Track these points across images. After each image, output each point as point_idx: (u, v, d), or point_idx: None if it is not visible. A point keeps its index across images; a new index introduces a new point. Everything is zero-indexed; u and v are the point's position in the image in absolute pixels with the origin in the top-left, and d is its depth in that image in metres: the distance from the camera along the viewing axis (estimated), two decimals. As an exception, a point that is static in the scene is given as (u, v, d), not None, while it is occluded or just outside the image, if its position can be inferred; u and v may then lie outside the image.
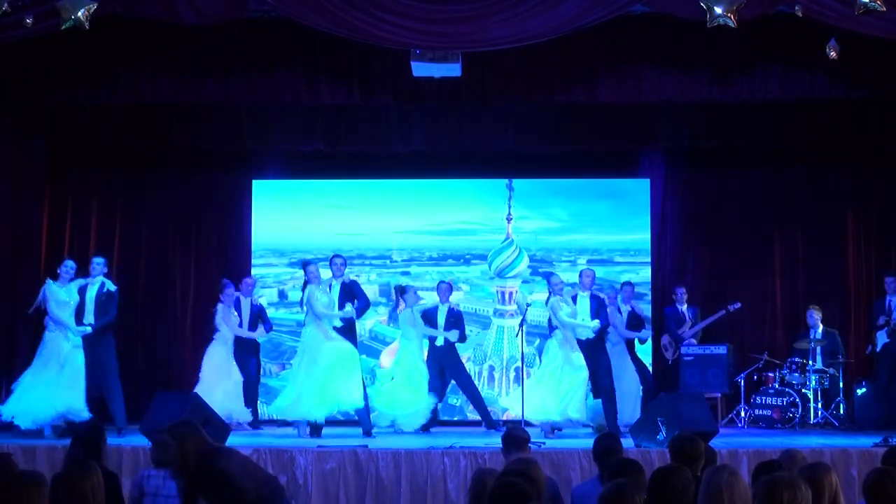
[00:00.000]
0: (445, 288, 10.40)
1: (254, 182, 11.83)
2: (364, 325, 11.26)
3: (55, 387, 9.16)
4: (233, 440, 8.66)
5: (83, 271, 9.70)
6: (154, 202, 11.77)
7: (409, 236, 11.86)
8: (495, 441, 7.87)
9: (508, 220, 11.57)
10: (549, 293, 9.60)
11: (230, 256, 11.80)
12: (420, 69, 8.89)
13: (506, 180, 11.69)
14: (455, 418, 11.12)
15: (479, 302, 11.58)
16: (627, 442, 8.07)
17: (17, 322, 10.45)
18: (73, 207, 11.68)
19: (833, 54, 7.63)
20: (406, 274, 11.69)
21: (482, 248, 11.75)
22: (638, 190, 11.70)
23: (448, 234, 11.84)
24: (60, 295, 9.38)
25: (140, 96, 9.53)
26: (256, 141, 11.00)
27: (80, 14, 7.38)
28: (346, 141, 10.88)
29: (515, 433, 5.85)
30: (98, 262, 9.62)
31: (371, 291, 11.46)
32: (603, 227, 11.63)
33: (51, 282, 9.46)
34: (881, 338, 10.41)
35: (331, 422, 9.71)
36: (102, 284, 9.51)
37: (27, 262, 10.70)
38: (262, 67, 9.39)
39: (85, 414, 9.03)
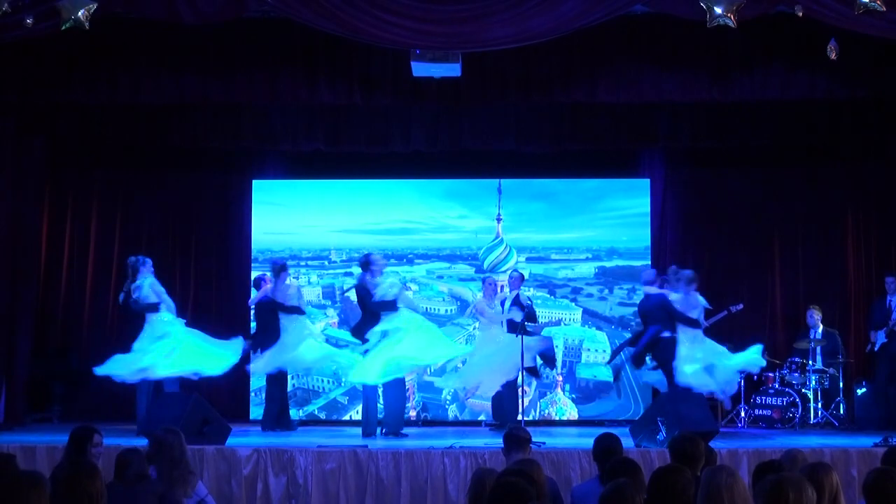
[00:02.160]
0: (517, 277, 10.46)
1: (254, 182, 11.82)
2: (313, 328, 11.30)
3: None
4: (233, 440, 8.68)
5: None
6: (154, 202, 11.77)
7: (345, 236, 11.85)
8: (495, 441, 7.89)
9: (498, 220, 11.65)
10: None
11: (230, 256, 11.80)
12: (420, 69, 8.88)
13: (496, 181, 11.72)
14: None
15: (430, 301, 11.62)
16: (627, 442, 8.07)
17: (18, 321, 10.45)
18: (73, 207, 11.68)
19: (833, 55, 7.64)
20: (349, 275, 11.63)
21: (424, 248, 11.81)
22: (569, 190, 11.79)
23: (387, 234, 11.86)
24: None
25: (140, 96, 9.52)
26: (256, 141, 10.98)
27: (80, 14, 7.38)
28: (346, 141, 10.87)
29: (517, 433, 5.84)
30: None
31: (314, 293, 11.67)
32: (538, 227, 11.72)
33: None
34: (880, 337, 10.41)
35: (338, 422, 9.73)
36: None
37: (27, 262, 10.69)
38: (262, 67, 9.39)
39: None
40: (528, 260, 11.65)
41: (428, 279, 11.57)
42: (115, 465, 5.26)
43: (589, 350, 11.14)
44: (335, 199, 11.94)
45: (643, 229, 11.67)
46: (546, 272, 11.62)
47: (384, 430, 9.47)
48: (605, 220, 11.63)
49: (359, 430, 9.65)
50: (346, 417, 11.20)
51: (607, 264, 11.50)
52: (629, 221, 11.65)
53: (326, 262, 11.80)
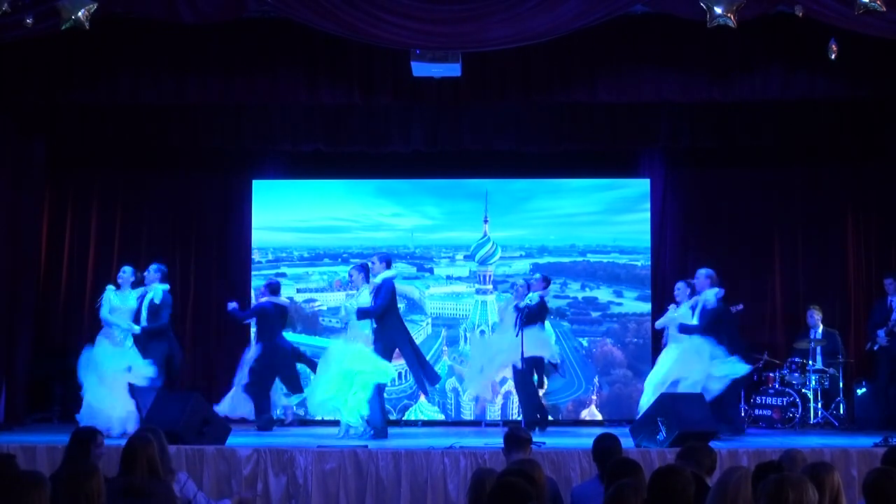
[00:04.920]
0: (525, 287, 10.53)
1: (254, 182, 11.82)
2: None
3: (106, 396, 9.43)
4: (233, 440, 8.68)
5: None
6: (154, 202, 11.76)
7: (267, 234, 11.82)
8: (495, 441, 7.89)
9: (485, 221, 11.76)
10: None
11: (230, 256, 11.80)
12: (420, 69, 8.88)
13: (486, 185, 11.81)
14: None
15: None
16: (627, 442, 8.08)
17: (17, 321, 10.45)
18: (73, 207, 11.68)
19: (833, 55, 7.64)
20: (282, 276, 11.57)
21: (358, 247, 11.83)
22: (504, 190, 11.89)
23: (315, 232, 11.85)
24: (114, 301, 9.71)
25: (140, 97, 9.52)
26: (256, 141, 10.98)
27: (80, 14, 7.40)
28: (346, 141, 10.88)
29: (517, 433, 5.83)
30: (151, 269, 9.97)
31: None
32: (474, 225, 11.84)
33: (111, 288, 9.83)
34: (880, 337, 10.39)
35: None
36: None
37: (27, 262, 10.69)
38: (262, 67, 9.38)
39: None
40: (466, 258, 11.84)
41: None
42: (124, 456, 5.20)
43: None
44: (257, 196, 11.88)
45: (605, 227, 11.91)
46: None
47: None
48: (534, 220, 11.89)
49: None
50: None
51: (540, 261, 11.82)
52: (565, 221, 11.91)
53: (252, 262, 11.82)
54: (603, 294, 11.79)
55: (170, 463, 5.69)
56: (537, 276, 10.68)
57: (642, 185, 11.82)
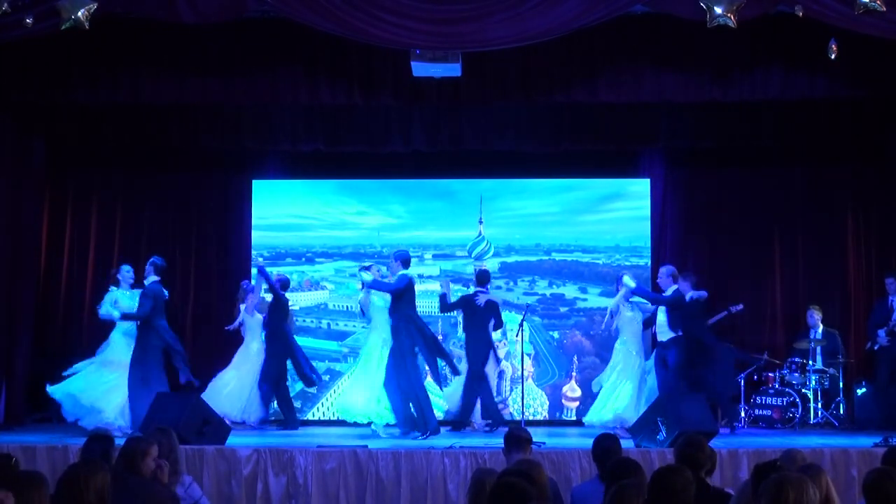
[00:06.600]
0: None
1: (254, 182, 11.82)
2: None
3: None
4: (233, 440, 8.68)
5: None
6: (154, 202, 11.76)
7: None
8: (495, 441, 7.89)
9: (480, 222, 11.85)
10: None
11: (230, 256, 11.79)
12: (420, 69, 8.88)
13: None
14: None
15: (350, 300, 11.58)
16: (627, 442, 8.07)
17: (17, 321, 10.45)
18: (73, 207, 11.67)
19: (833, 55, 7.64)
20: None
21: (322, 246, 11.87)
22: (468, 189, 11.95)
23: (275, 230, 11.83)
24: (123, 301, 9.83)
25: (140, 96, 9.52)
26: (256, 141, 10.99)
27: (80, 14, 7.41)
28: (346, 141, 10.88)
29: (517, 433, 5.83)
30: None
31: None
32: (440, 225, 11.96)
33: (115, 289, 9.91)
34: (881, 337, 10.39)
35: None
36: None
37: (27, 262, 10.69)
38: (262, 67, 9.39)
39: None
40: (435, 257, 11.92)
41: (341, 278, 11.61)
42: (124, 454, 5.20)
43: (511, 330, 11.43)
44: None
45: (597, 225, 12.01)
46: (455, 268, 11.92)
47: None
48: (501, 219, 11.97)
49: (356, 431, 9.65)
50: (319, 405, 11.33)
51: (508, 260, 11.99)
52: (530, 221, 12.02)
53: None
54: (569, 290, 12.04)
55: (177, 464, 5.68)
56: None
57: (605, 187, 11.96)
